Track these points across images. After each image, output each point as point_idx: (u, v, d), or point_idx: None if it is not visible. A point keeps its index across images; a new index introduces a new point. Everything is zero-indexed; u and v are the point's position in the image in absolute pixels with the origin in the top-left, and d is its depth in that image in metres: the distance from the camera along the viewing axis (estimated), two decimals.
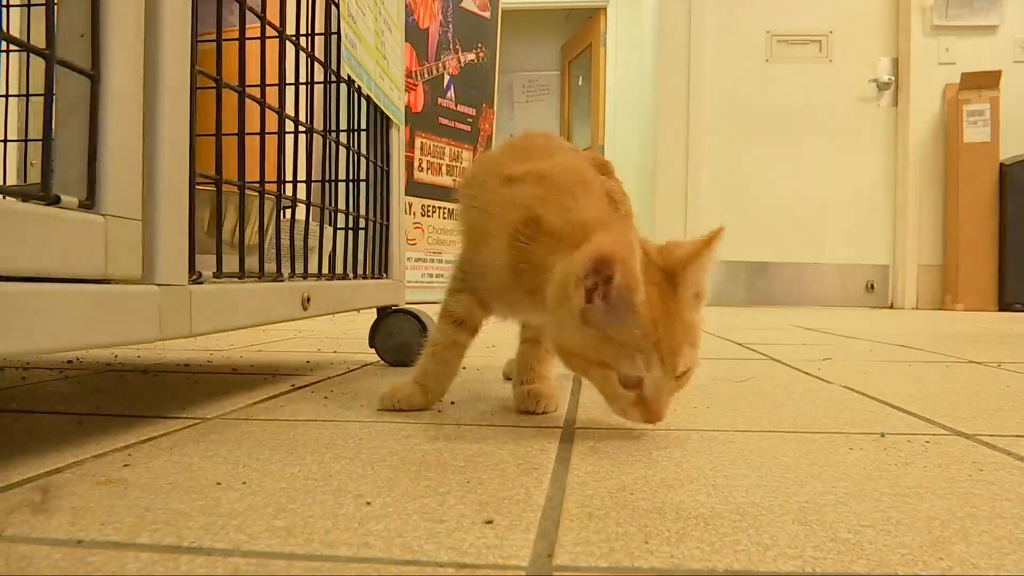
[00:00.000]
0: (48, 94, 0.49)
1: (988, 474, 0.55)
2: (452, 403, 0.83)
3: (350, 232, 1.10)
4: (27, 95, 1.18)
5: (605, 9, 4.88)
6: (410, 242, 3.49)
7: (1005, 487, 0.51)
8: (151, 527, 0.42)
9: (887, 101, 4.08)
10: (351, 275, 1.09)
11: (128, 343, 0.55)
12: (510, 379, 0.94)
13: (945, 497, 0.49)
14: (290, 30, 0.86)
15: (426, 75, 3.53)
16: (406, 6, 2.83)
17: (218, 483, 0.51)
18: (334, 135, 1.05)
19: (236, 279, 0.74)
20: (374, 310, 1.20)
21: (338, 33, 0.99)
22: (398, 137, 1.26)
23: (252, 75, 0.79)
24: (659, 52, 4.09)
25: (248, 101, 0.76)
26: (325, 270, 1.01)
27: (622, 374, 0.62)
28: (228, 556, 0.38)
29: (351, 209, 1.11)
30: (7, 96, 1.21)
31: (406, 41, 1.39)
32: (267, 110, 0.81)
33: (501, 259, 0.71)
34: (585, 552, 0.39)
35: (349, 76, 1.01)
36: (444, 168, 3.69)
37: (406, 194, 1.46)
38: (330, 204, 1.05)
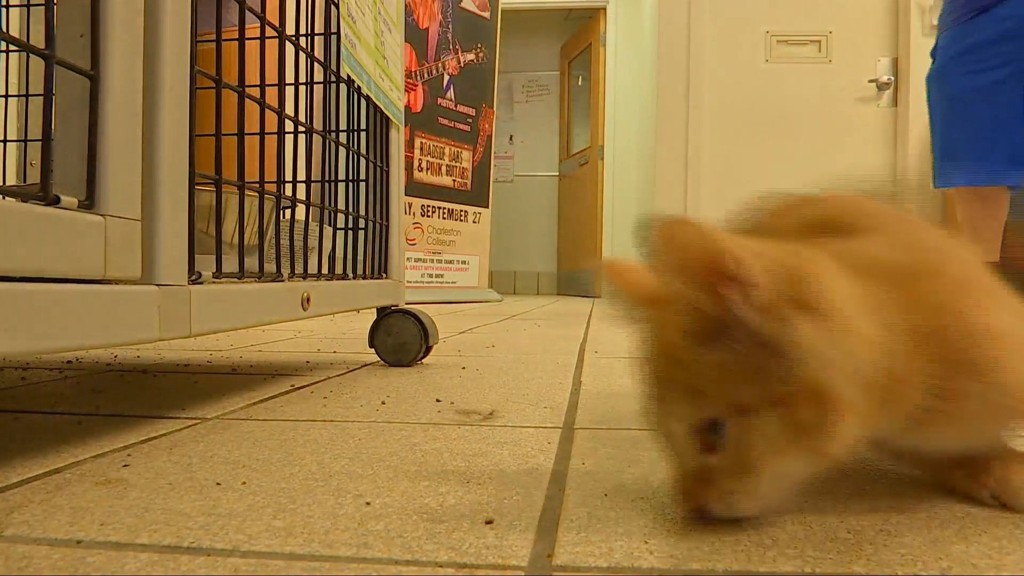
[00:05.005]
0: (48, 94, 0.49)
1: None
2: (452, 403, 0.83)
3: (350, 232, 1.10)
4: (27, 95, 1.19)
5: (605, 9, 4.88)
6: (410, 242, 3.48)
7: None
8: (151, 527, 0.42)
9: (887, 101, 4.08)
10: (351, 275, 1.09)
11: (127, 343, 0.55)
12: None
13: (944, 497, 0.49)
14: (290, 30, 0.86)
15: (426, 75, 3.53)
16: (406, 6, 2.82)
17: (218, 483, 0.51)
18: (334, 135, 1.05)
19: (235, 279, 0.74)
20: (374, 310, 1.20)
21: (338, 33, 0.99)
22: (398, 137, 1.26)
23: (252, 75, 0.79)
24: (659, 52, 4.09)
25: (248, 101, 0.76)
26: (325, 270, 1.01)
27: None
28: (228, 556, 0.38)
29: (351, 209, 1.11)
30: (7, 96, 1.21)
31: (406, 41, 1.39)
32: (267, 110, 0.81)
33: None
34: (585, 552, 0.39)
35: (349, 76, 1.01)
36: (444, 168, 3.69)
37: (406, 194, 1.46)
38: (330, 204, 1.05)
